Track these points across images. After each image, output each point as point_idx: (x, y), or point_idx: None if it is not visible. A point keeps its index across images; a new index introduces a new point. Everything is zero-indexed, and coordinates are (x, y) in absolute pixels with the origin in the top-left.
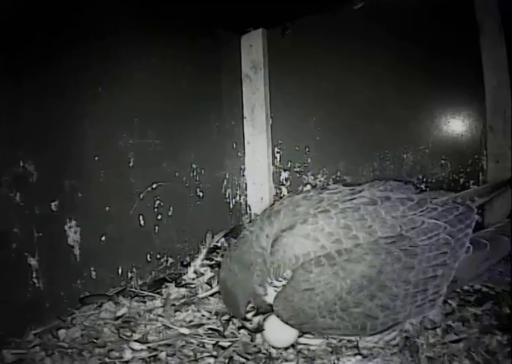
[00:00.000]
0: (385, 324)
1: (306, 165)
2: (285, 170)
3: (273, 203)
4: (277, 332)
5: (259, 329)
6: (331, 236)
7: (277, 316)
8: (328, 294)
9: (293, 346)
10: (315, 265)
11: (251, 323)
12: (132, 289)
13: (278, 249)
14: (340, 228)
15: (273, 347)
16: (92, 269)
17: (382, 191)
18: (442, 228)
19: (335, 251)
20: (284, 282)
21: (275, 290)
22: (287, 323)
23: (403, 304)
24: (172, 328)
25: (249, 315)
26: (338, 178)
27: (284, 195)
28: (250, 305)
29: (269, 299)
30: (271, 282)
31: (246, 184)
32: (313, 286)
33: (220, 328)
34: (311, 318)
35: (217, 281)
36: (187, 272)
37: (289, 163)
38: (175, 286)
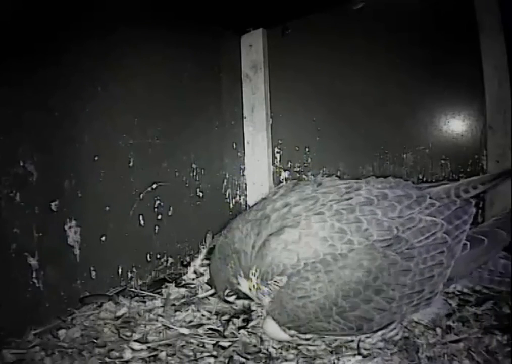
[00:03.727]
0: (381, 323)
1: (306, 165)
2: (285, 170)
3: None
4: (275, 331)
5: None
6: (325, 242)
7: (274, 320)
8: (324, 302)
9: (293, 347)
10: (311, 271)
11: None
12: (132, 289)
13: (266, 254)
14: (335, 232)
15: (272, 346)
16: (92, 269)
17: (380, 188)
18: (439, 226)
19: (330, 257)
20: (277, 287)
21: (269, 294)
22: (283, 325)
23: (399, 305)
24: (172, 328)
25: (230, 299)
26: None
27: None
28: (228, 291)
29: (243, 288)
30: (244, 274)
31: (246, 184)
32: (309, 294)
33: (220, 328)
34: (307, 322)
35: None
36: (187, 272)
37: (289, 163)
38: (175, 286)
